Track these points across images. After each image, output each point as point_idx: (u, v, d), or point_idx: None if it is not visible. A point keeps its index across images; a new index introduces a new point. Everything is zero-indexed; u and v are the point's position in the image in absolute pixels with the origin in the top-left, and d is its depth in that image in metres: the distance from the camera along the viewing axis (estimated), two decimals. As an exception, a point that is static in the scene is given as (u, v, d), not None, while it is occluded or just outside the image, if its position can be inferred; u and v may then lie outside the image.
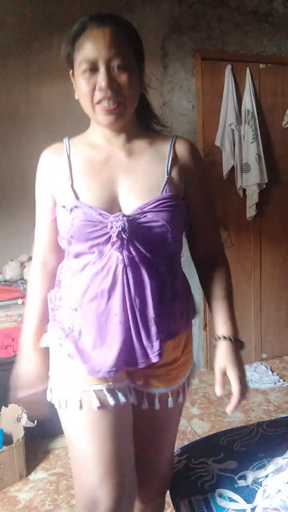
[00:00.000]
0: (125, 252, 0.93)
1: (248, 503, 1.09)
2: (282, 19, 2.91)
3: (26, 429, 1.97)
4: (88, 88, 0.94)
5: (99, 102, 0.94)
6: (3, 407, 2.08)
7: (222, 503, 1.11)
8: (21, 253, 2.46)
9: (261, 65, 2.90)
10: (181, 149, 1.07)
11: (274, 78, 2.95)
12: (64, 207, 0.98)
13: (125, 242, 0.92)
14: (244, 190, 2.90)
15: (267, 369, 2.97)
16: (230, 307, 1.08)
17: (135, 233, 0.93)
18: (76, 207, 0.96)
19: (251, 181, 2.83)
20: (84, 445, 0.97)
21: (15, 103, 2.43)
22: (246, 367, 2.96)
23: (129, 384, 1.05)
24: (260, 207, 2.94)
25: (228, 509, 1.09)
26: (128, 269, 0.93)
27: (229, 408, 0.98)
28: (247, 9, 2.83)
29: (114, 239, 0.92)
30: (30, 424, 1.97)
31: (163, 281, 0.99)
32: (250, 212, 2.94)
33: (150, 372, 1.04)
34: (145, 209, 0.95)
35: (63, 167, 1.03)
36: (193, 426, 2.32)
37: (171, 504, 1.24)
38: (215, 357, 1.03)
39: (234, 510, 1.08)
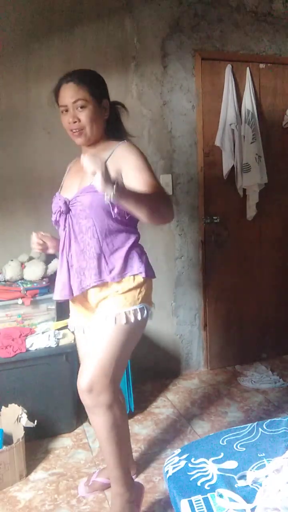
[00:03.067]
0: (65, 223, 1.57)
1: (248, 503, 1.09)
2: (282, 19, 2.91)
3: (26, 429, 1.97)
4: (65, 121, 1.54)
5: (70, 130, 1.54)
6: (3, 407, 2.08)
7: (222, 503, 1.11)
8: (21, 253, 2.46)
9: (261, 65, 2.90)
10: (119, 148, 1.53)
11: (274, 78, 2.95)
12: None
13: (65, 216, 1.56)
14: (244, 190, 2.90)
15: (267, 369, 2.97)
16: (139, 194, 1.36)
17: (70, 211, 1.55)
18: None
19: (251, 181, 2.83)
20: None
21: (15, 103, 2.43)
22: (246, 367, 2.98)
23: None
24: (260, 207, 2.94)
25: (228, 509, 1.09)
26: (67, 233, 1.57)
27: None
28: (247, 9, 2.83)
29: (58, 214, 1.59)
30: (30, 424, 1.97)
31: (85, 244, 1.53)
32: (250, 212, 2.94)
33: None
34: (77, 195, 1.52)
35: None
36: (193, 426, 2.32)
37: (171, 504, 1.24)
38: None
39: (234, 510, 1.08)
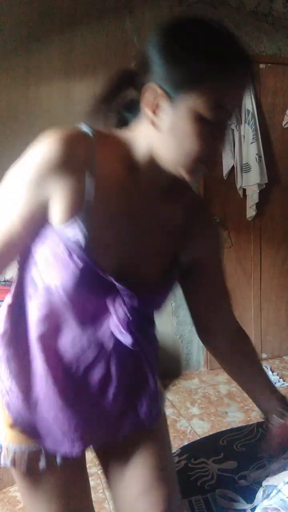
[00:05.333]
0: None
1: (248, 503, 1.09)
2: (282, 19, 2.91)
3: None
4: (201, 137, 0.77)
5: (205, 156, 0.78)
6: (3, 407, 2.08)
7: (222, 503, 1.11)
8: (21, 253, 2.46)
9: (261, 65, 2.90)
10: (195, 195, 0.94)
11: (274, 78, 2.95)
12: None
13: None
14: (244, 190, 2.90)
15: (267, 369, 2.97)
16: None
17: None
18: None
19: (251, 181, 2.83)
20: None
21: (15, 103, 2.42)
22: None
23: None
24: (260, 207, 2.94)
25: (228, 509, 1.09)
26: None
27: None
28: (247, 9, 2.83)
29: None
30: (30, 424, 1.97)
31: None
32: (250, 212, 2.94)
33: None
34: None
35: None
36: (193, 426, 2.32)
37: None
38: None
39: (234, 510, 1.08)
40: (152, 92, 0.70)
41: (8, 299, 0.88)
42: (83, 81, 2.51)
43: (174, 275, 0.87)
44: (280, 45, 2.93)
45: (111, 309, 0.78)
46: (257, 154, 2.81)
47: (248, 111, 2.80)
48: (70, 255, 0.72)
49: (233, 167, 2.85)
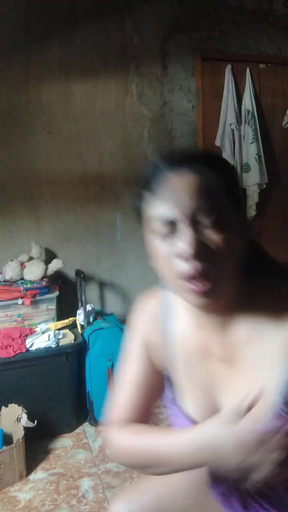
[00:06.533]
0: None
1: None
2: (282, 19, 2.91)
3: (26, 429, 1.96)
4: (164, 253, 0.73)
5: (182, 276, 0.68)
6: (3, 407, 2.08)
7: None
8: (21, 253, 2.46)
9: (261, 65, 2.90)
10: None
11: (274, 78, 2.95)
12: None
13: None
14: (244, 190, 2.90)
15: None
16: None
17: None
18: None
19: (251, 181, 2.83)
20: None
21: (15, 103, 2.42)
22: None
23: None
24: (260, 207, 2.94)
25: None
26: None
27: None
28: (247, 9, 2.83)
29: None
30: (30, 424, 1.97)
31: None
32: (250, 212, 2.94)
33: None
34: None
35: None
36: (193, 426, 2.32)
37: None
38: None
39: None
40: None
41: None
42: (83, 81, 2.52)
43: None
44: (280, 45, 2.93)
45: None
46: (257, 154, 2.81)
47: (248, 111, 2.80)
48: None
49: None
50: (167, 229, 0.65)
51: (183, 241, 0.63)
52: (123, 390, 0.82)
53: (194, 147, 0.72)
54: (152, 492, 0.92)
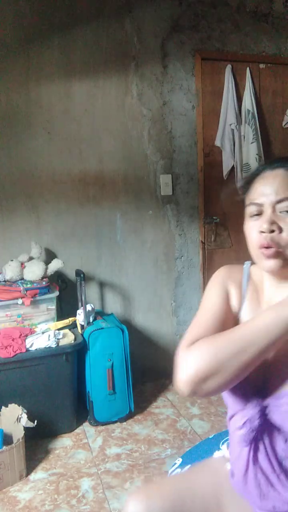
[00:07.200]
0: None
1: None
2: (282, 19, 2.91)
3: (26, 429, 1.97)
4: (254, 229, 0.96)
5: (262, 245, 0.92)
6: (3, 407, 2.08)
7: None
8: (21, 253, 2.46)
9: (261, 65, 2.90)
10: None
11: (274, 78, 2.95)
12: None
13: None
14: (244, 190, 2.90)
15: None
16: None
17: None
18: None
19: (251, 181, 2.83)
20: None
21: (15, 103, 2.43)
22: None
23: None
24: (260, 207, 2.94)
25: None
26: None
27: None
28: (247, 9, 2.83)
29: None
30: (30, 424, 1.97)
31: None
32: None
33: None
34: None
35: None
36: (193, 426, 2.32)
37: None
38: None
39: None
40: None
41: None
42: (83, 81, 2.52)
43: None
44: (280, 45, 2.93)
45: None
46: (257, 154, 2.81)
47: (248, 111, 2.80)
48: None
49: (233, 167, 2.85)
50: (257, 212, 0.88)
51: (263, 221, 0.86)
52: (199, 324, 0.91)
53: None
54: (171, 486, 1.01)
